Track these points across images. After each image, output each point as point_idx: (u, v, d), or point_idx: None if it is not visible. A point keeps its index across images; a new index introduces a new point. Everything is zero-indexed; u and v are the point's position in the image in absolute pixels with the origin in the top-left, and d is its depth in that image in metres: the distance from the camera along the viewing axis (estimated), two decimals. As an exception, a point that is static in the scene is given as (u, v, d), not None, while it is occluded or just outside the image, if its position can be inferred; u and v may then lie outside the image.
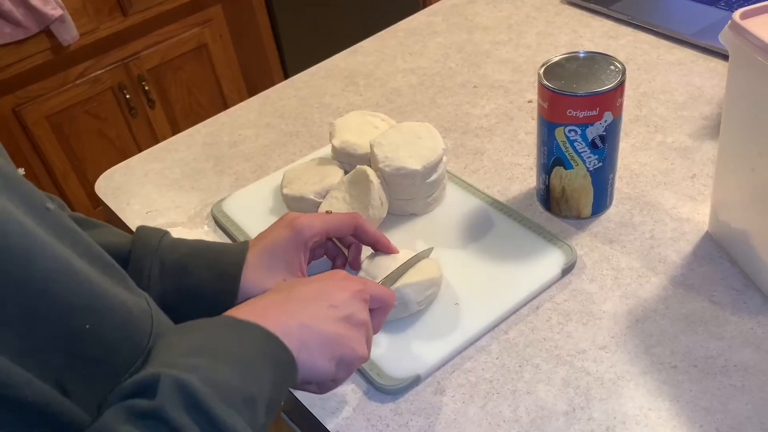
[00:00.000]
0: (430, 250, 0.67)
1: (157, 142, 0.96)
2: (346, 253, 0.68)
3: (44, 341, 0.38)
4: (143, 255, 0.59)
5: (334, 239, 0.67)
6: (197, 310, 0.59)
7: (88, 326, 0.39)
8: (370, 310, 0.55)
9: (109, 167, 0.91)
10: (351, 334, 0.50)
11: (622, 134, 0.70)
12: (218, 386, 0.40)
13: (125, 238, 0.60)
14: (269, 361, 0.45)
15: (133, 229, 0.79)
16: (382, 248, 0.65)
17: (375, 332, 0.56)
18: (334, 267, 0.68)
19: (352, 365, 0.51)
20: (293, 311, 0.49)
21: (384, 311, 0.56)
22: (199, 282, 0.59)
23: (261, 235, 0.62)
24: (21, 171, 0.44)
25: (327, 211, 0.65)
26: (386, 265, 0.64)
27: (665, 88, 0.90)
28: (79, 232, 0.45)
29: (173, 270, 0.59)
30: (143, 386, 0.39)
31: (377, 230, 0.66)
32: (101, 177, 0.89)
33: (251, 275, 0.59)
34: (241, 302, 0.58)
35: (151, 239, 0.60)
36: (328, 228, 0.62)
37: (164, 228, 0.63)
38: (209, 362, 0.42)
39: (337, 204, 0.71)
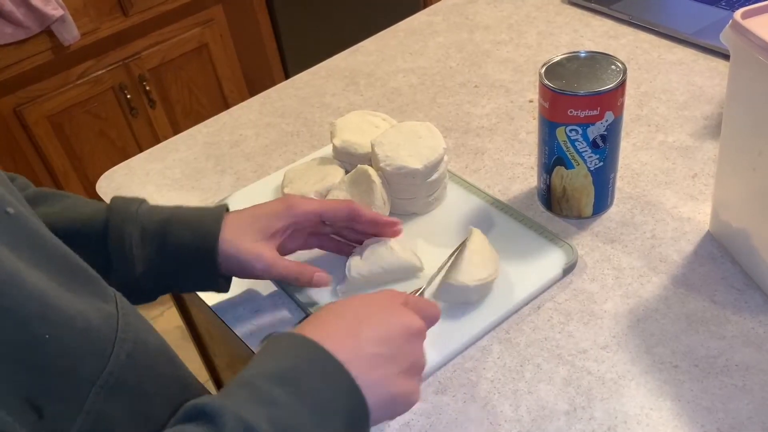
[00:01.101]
0: (464, 244, 0.65)
1: (157, 142, 0.96)
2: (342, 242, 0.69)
3: (5, 355, 0.36)
4: (123, 222, 0.59)
5: (337, 237, 0.68)
6: (182, 271, 0.61)
7: (47, 336, 0.38)
8: None
9: (110, 167, 0.91)
10: (413, 385, 0.49)
11: (623, 134, 0.70)
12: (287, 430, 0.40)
13: (99, 207, 0.61)
14: (346, 413, 0.44)
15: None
16: (381, 229, 0.65)
17: None
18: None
19: (407, 411, 0.50)
20: (369, 366, 0.46)
21: (429, 325, 0.54)
22: (180, 243, 0.60)
23: (258, 205, 0.64)
24: None
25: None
26: (380, 260, 0.64)
27: (666, 88, 0.90)
28: (44, 236, 0.43)
29: (154, 234, 0.60)
30: (205, 412, 0.39)
31: (373, 212, 0.66)
32: (102, 177, 0.89)
33: (228, 235, 0.60)
34: (222, 261, 0.60)
35: (129, 207, 0.61)
36: (322, 209, 0.63)
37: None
38: (289, 398, 0.41)
39: (338, 204, 0.71)
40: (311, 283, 0.63)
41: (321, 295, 0.67)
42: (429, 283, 0.64)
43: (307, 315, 0.66)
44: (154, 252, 0.59)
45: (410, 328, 0.49)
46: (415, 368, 0.49)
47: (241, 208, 0.64)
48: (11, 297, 0.37)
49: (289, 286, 0.68)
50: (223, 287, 0.64)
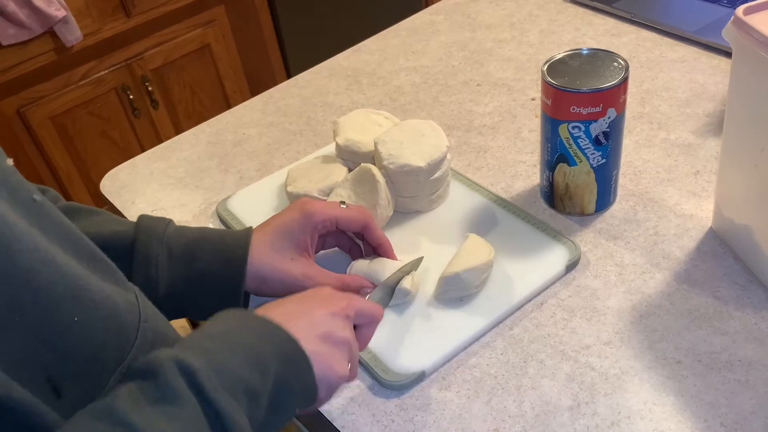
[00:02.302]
0: (420, 260, 0.66)
1: (160, 142, 0.96)
2: (361, 246, 0.69)
3: (33, 335, 0.37)
4: (149, 242, 0.59)
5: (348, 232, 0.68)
6: (206, 294, 0.60)
7: (76, 319, 0.39)
8: (357, 326, 0.54)
9: (113, 168, 0.91)
10: (330, 352, 0.49)
11: (625, 131, 0.70)
12: (223, 372, 0.41)
13: (127, 226, 0.60)
14: (281, 355, 0.46)
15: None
16: (383, 252, 0.66)
17: (362, 348, 0.56)
18: (351, 257, 0.69)
19: (332, 385, 0.50)
20: (288, 317, 0.49)
21: (372, 326, 0.56)
22: (206, 267, 0.59)
23: (270, 218, 0.63)
24: (9, 161, 0.44)
25: (341, 202, 0.65)
26: (380, 270, 0.64)
27: (668, 85, 0.90)
28: (69, 225, 0.44)
29: (180, 256, 0.59)
30: (146, 366, 0.40)
31: (384, 234, 0.66)
32: (106, 176, 0.89)
33: (260, 256, 0.60)
34: (251, 283, 0.60)
35: (157, 227, 0.60)
36: (339, 218, 0.63)
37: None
38: (222, 348, 0.43)
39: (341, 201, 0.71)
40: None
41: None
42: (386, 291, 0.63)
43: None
44: (180, 274, 0.59)
45: (329, 303, 0.51)
46: (335, 338, 0.50)
47: (262, 224, 0.63)
48: (46, 277, 0.38)
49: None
50: (246, 297, 0.63)
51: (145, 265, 0.58)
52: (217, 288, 0.59)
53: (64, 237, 0.43)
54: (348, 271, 0.66)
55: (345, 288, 0.62)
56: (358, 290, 0.63)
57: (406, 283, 0.63)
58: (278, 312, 0.50)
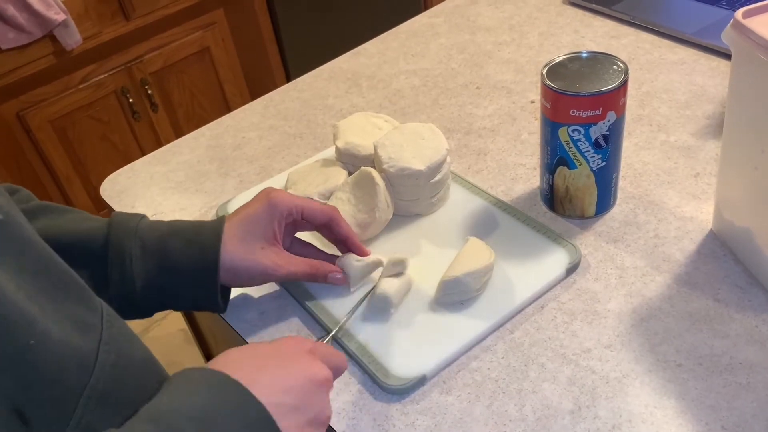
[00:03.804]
0: (404, 262, 0.66)
1: (160, 145, 0.96)
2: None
3: None
4: (123, 237, 0.59)
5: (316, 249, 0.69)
6: (182, 287, 0.61)
7: (33, 342, 0.38)
8: None
9: (113, 171, 0.91)
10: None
11: (625, 134, 0.70)
12: None
13: (100, 222, 0.61)
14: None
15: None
16: (351, 246, 0.66)
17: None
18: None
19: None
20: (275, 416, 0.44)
21: (336, 375, 0.52)
22: (180, 259, 0.60)
23: (238, 210, 0.64)
24: None
25: (308, 197, 0.66)
26: (355, 265, 0.65)
27: (668, 88, 0.90)
28: (32, 242, 0.43)
29: (154, 250, 0.60)
30: None
31: (350, 228, 0.66)
32: (106, 180, 0.89)
33: (230, 247, 0.61)
34: (224, 275, 0.61)
35: (130, 222, 0.61)
36: (303, 207, 0.64)
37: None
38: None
39: (342, 205, 0.71)
40: (326, 281, 0.65)
41: (320, 293, 0.67)
42: (338, 328, 0.63)
43: (311, 314, 0.66)
44: (155, 268, 0.60)
45: (315, 378, 0.47)
46: (320, 420, 0.47)
47: (230, 215, 0.64)
48: None
49: (294, 289, 0.69)
50: (221, 306, 0.64)
51: (119, 261, 0.59)
52: (193, 280, 0.61)
53: (25, 258, 0.41)
54: (347, 271, 0.66)
55: (314, 272, 0.64)
56: (326, 276, 0.65)
57: (390, 289, 0.64)
58: (257, 391, 0.44)
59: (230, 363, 0.46)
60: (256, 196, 0.65)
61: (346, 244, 0.66)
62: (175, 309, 0.65)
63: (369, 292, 0.66)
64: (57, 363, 0.39)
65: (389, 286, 0.64)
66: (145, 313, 0.62)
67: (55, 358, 0.39)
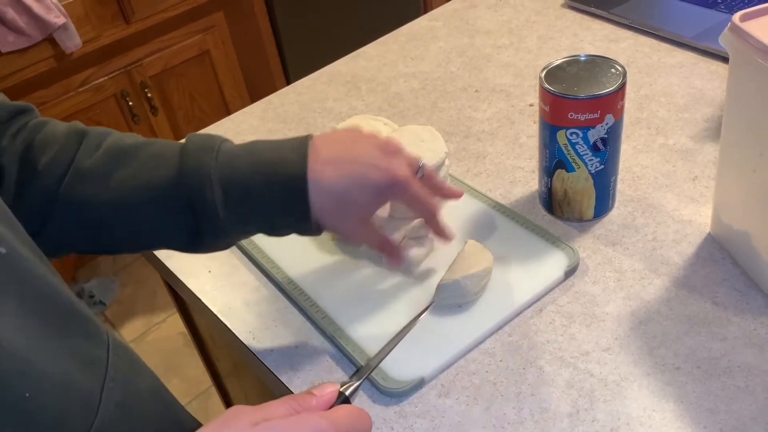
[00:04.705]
0: (429, 305, 0.64)
1: (160, 148, 0.96)
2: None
3: None
4: (200, 186, 0.54)
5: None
6: (274, 226, 0.57)
7: (27, 394, 0.36)
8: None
9: (113, 173, 0.91)
10: None
11: (623, 137, 0.70)
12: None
13: (170, 170, 0.55)
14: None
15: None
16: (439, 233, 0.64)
17: None
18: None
19: None
20: None
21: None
22: (267, 211, 0.55)
23: (351, 148, 0.57)
24: None
25: (421, 169, 0.61)
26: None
27: (666, 91, 0.90)
28: (35, 276, 0.41)
29: (237, 196, 0.55)
30: None
31: (445, 225, 0.64)
32: (105, 183, 0.89)
33: (318, 191, 0.54)
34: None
35: (203, 165, 0.54)
36: (416, 200, 0.59)
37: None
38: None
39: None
40: (387, 257, 0.63)
41: (324, 299, 0.67)
42: (365, 377, 0.53)
43: (310, 317, 0.66)
44: (241, 213, 0.55)
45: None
46: None
47: (329, 148, 0.56)
48: None
49: (296, 292, 0.69)
50: (317, 231, 0.58)
51: (200, 206, 0.54)
52: (285, 222, 0.57)
53: (26, 294, 0.40)
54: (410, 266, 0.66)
55: (380, 249, 0.62)
56: (390, 255, 0.62)
57: (411, 251, 0.66)
58: None
59: None
60: (377, 152, 0.57)
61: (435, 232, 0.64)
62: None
63: (404, 329, 0.62)
64: (58, 409, 0.38)
65: (410, 250, 0.66)
66: (241, 238, 0.60)
67: (56, 404, 0.38)
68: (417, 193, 0.58)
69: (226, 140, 0.57)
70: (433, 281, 0.66)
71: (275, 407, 0.42)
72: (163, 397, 0.48)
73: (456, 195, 0.66)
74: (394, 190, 0.57)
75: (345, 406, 0.47)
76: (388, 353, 0.59)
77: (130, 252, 0.61)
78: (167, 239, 0.58)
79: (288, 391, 0.61)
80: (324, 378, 0.61)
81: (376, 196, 0.57)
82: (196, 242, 0.57)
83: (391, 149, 0.58)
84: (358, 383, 0.49)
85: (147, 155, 0.56)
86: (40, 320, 0.39)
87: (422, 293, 0.66)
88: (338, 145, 0.57)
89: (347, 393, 0.48)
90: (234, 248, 0.76)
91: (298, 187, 0.54)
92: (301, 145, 0.55)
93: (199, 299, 0.71)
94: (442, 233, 0.64)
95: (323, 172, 0.54)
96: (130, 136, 0.59)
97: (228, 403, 1.13)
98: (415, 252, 0.68)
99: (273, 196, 0.54)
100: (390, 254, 0.63)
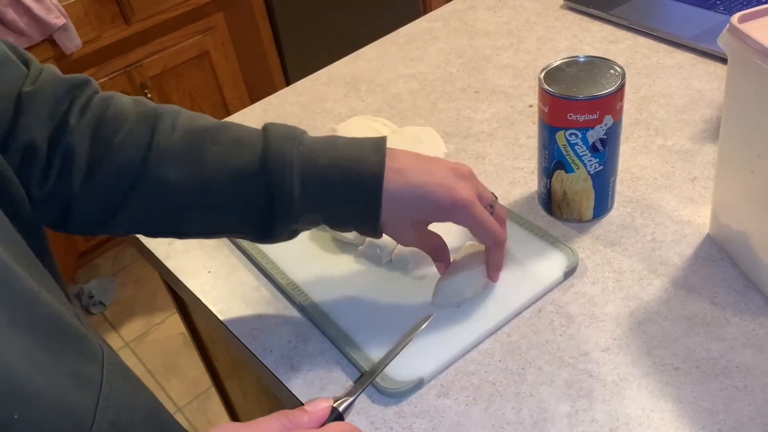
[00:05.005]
0: (429, 316, 0.63)
1: (160, 148, 0.96)
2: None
3: None
4: (280, 174, 0.55)
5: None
6: (344, 220, 0.59)
7: (16, 416, 0.35)
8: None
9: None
10: None
11: (622, 138, 0.71)
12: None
13: (254, 155, 0.56)
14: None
15: (140, 239, 0.79)
16: (491, 274, 0.65)
17: None
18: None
19: None
20: None
21: None
22: (340, 205, 0.57)
23: (427, 167, 0.58)
24: None
25: (493, 203, 0.62)
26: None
27: (665, 92, 0.90)
28: (28, 290, 0.40)
29: (313, 190, 0.56)
30: None
31: (502, 258, 0.64)
32: (105, 184, 0.89)
33: (388, 203, 0.56)
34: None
35: (285, 154, 0.56)
36: (478, 226, 0.59)
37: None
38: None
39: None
40: (436, 262, 0.64)
41: (323, 299, 0.67)
42: (358, 392, 0.52)
43: (309, 318, 0.67)
44: (313, 208, 0.57)
45: None
46: None
47: (405, 158, 0.58)
48: None
49: (295, 292, 0.69)
50: (378, 232, 0.60)
51: (279, 198, 0.56)
52: (352, 218, 0.58)
53: (18, 309, 0.39)
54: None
55: (432, 253, 0.63)
56: (438, 260, 0.64)
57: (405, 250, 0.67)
58: None
59: None
60: (448, 174, 0.58)
61: (488, 269, 0.65)
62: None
63: (402, 341, 0.60)
64: (49, 430, 0.37)
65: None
66: (297, 234, 0.61)
67: (47, 425, 0.37)
68: (481, 218, 0.58)
69: (305, 132, 0.59)
70: (433, 281, 0.66)
71: (265, 425, 0.42)
72: (158, 414, 0.47)
73: (495, 277, 0.66)
74: (456, 212, 0.58)
75: (337, 423, 0.47)
76: (385, 366, 0.58)
77: (200, 236, 0.62)
78: (241, 223, 0.58)
79: (287, 392, 0.61)
80: (323, 378, 0.62)
81: (435, 213, 0.58)
82: (267, 228, 0.57)
83: (462, 173, 0.59)
84: (351, 399, 0.49)
85: (228, 139, 0.57)
86: (32, 338, 0.38)
87: (422, 293, 0.66)
88: (413, 156, 0.59)
89: (340, 409, 0.48)
90: (234, 248, 0.76)
91: (374, 185, 0.56)
92: (380, 146, 0.57)
93: (199, 299, 0.71)
94: (496, 268, 0.64)
95: (394, 178, 0.56)
96: (199, 116, 0.60)
97: (228, 403, 1.13)
98: (410, 251, 0.68)
99: (349, 190, 0.56)
100: (438, 259, 0.64)
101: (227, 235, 0.61)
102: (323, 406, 0.47)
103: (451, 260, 0.66)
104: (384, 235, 0.60)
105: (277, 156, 0.56)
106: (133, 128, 0.56)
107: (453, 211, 0.58)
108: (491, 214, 0.60)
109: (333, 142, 0.59)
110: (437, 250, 0.64)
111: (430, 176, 0.57)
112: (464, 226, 0.60)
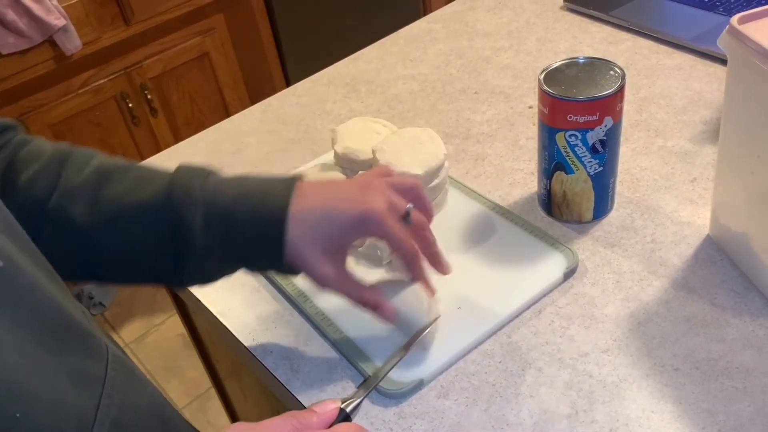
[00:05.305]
0: (437, 318, 0.62)
1: (159, 150, 0.97)
2: None
3: None
4: (184, 209, 0.54)
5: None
6: (247, 259, 0.57)
7: (18, 415, 0.35)
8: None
9: (113, 175, 0.91)
10: None
11: (622, 139, 0.71)
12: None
13: (159, 191, 0.55)
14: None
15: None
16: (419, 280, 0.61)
17: None
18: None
19: None
20: None
21: None
22: (244, 237, 0.55)
23: (332, 188, 0.57)
24: None
25: (406, 214, 0.58)
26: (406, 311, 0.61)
27: (665, 93, 0.90)
28: (33, 289, 0.40)
29: (217, 226, 0.54)
30: None
31: (425, 272, 0.61)
32: (105, 185, 0.90)
33: (295, 231, 0.54)
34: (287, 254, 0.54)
35: (191, 190, 0.55)
36: (391, 240, 0.56)
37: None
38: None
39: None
40: (375, 314, 0.59)
41: (323, 300, 0.67)
42: (366, 395, 0.53)
43: (309, 318, 0.66)
44: (218, 243, 0.55)
45: None
46: None
47: (312, 188, 0.57)
48: None
49: (295, 293, 0.69)
50: (295, 270, 0.57)
51: (184, 237, 0.54)
52: (259, 254, 0.56)
53: (23, 308, 0.39)
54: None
55: (362, 302, 0.58)
56: (376, 307, 0.58)
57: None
58: None
59: None
60: (356, 189, 0.57)
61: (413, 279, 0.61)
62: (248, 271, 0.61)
63: (407, 344, 0.60)
64: (50, 429, 0.37)
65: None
66: (216, 278, 0.58)
67: (48, 424, 0.37)
68: (392, 230, 0.56)
69: (217, 171, 0.58)
70: (433, 281, 0.66)
71: (276, 425, 0.43)
72: (162, 412, 0.47)
73: (443, 270, 0.62)
74: (366, 224, 0.55)
75: (346, 424, 0.47)
76: (392, 369, 0.58)
77: (123, 283, 0.60)
78: (153, 268, 0.56)
79: (287, 393, 0.61)
80: (323, 379, 0.62)
81: (346, 229, 0.56)
82: (177, 269, 0.55)
83: (373, 186, 0.57)
84: (359, 400, 0.50)
85: (136, 176, 0.57)
86: (35, 337, 0.39)
87: (422, 294, 0.66)
88: (322, 183, 0.58)
89: (348, 410, 0.49)
90: (234, 250, 0.76)
91: (279, 218, 0.54)
92: (290, 182, 0.56)
93: (199, 300, 0.71)
94: (423, 280, 0.60)
95: (301, 203, 0.55)
96: (115, 158, 0.59)
97: (227, 404, 1.13)
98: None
99: (255, 221, 0.54)
100: (375, 306, 0.58)
101: (144, 281, 0.59)
102: (331, 407, 0.47)
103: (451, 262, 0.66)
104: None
105: (182, 189, 0.54)
106: (42, 168, 0.55)
107: (363, 224, 0.55)
108: (408, 223, 0.58)
109: (243, 178, 0.58)
110: (367, 294, 0.58)
111: (338, 195, 0.56)
112: (377, 238, 0.58)
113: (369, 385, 0.56)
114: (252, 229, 0.55)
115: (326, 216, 0.55)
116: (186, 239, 0.54)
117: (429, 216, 0.60)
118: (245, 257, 0.57)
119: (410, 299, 0.61)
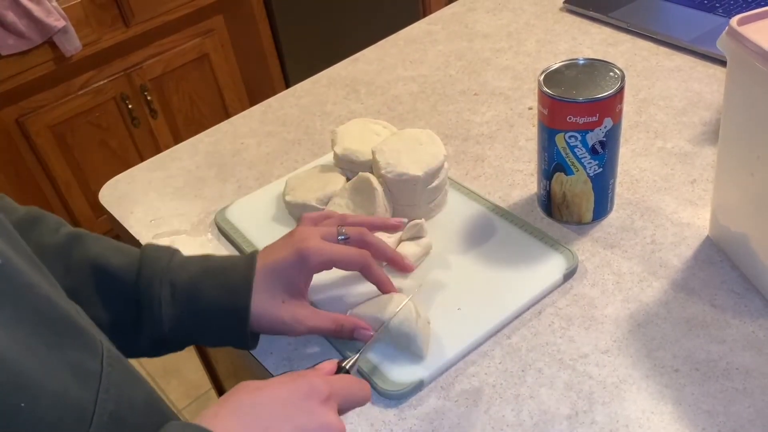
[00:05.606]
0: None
1: (159, 151, 0.97)
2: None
3: None
4: (152, 277, 0.59)
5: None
6: (212, 330, 0.60)
7: (23, 404, 0.36)
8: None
9: (112, 177, 0.91)
10: None
11: (622, 140, 0.71)
12: None
13: (132, 257, 0.60)
14: None
15: (137, 237, 0.80)
16: (383, 289, 0.64)
17: None
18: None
19: None
20: None
21: (360, 405, 0.53)
22: (211, 303, 0.59)
23: (267, 251, 0.62)
24: None
25: (340, 235, 0.63)
26: (378, 310, 0.62)
27: (664, 94, 0.90)
28: (31, 285, 0.41)
29: (185, 292, 0.59)
30: None
31: (383, 272, 0.64)
32: (105, 186, 0.90)
33: (256, 297, 0.59)
34: (254, 321, 0.59)
35: (161, 260, 0.60)
36: (336, 261, 0.61)
37: (168, 235, 0.63)
38: None
39: (340, 210, 0.71)
40: (352, 337, 0.61)
41: (322, 300, 0.67)
42: (361, 353, 0.57)
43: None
44: (185, 312, 0.59)
45: (312, 408, 0.47)
46: None
47: (260, 255, 0.62)
48: None
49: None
50: (252, 345, 0.62)
51: (148, 300, 0.58)
52: (223, 324, 0.60)
53: (22, 304, 0.40)
54: (347, 312, 0.63)
55: (339, 329, 0.61)
56: (353, 332, 0.61)
57: (408, 252, 0.68)
58: (260, 414, 0.46)
59: (232, 421, 0.45)
60: (288, 240, 0.62)
61: (379, 288, 0.64)
62: (206, 345, 0.65)
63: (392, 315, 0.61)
64: (52, 420, 0.38)
65: (407, 249, 0.67)
66: (176, 349, 0.62)
67: (50, 415, 0.38)
68: (332, 250, 0.61)
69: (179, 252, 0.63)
70: (432, 281, 0.66)
71: (282, 378, 0.48)
72: (157, 408, 0.48)
73: (406, 269, 0.66)
74: (307, 258, 0.60)
75: (344, 374, 0.53)
76: (379, 335, 0.61)
77: None
78: (113, 329, 0.57)
79: (287, 394, 0.61)
80: (323, 380, 0.62)
81: (292, 270, 0.60)
82: (133, 332, 0.59)
83: (300, 230, 0.63)
84: (356, 357, 0.56)
85: (110, 244, 0.62)
86: (35, 331, 0.40)
87: (421, 293, 0.66)
88: (268, 247, 0.63)
89: (347, 367, 0.54)
90: (234, 249, 0.76)
91: (243, 287, 0.59)
92: (252, 257, 0.61)
93: (199, 302, 0.71)
94: (383, 282, 0.63)
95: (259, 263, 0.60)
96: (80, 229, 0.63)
97: (227, 405, 1.12)
98: (412, 250, 0.68)
99: (219, 294, 0.59)
100: (352, 327, 0.61)
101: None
102: (331, 365, 0.53)
103: (451, 262, 0.66)
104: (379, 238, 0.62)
105: (151, 261, 0.59)
106: (14, 225, 0.55)
107: (303, 259, 0.60)
108: (346, 239, 0.63)
109: (207, 256, 0.63)
110: (341, 322, 0.61)
111: (273, 249, 0.62)
112: (325, 268, 0.62)
113: (365, 350, 0.60)
114: (217, 301, 0.59)
115: (272, 271, 0.60)
116: (151, 309, 0.58)
117: (372, 225, 0.65)
118: (206, 331, 0.61)
119: (390, 306, 0.62)
